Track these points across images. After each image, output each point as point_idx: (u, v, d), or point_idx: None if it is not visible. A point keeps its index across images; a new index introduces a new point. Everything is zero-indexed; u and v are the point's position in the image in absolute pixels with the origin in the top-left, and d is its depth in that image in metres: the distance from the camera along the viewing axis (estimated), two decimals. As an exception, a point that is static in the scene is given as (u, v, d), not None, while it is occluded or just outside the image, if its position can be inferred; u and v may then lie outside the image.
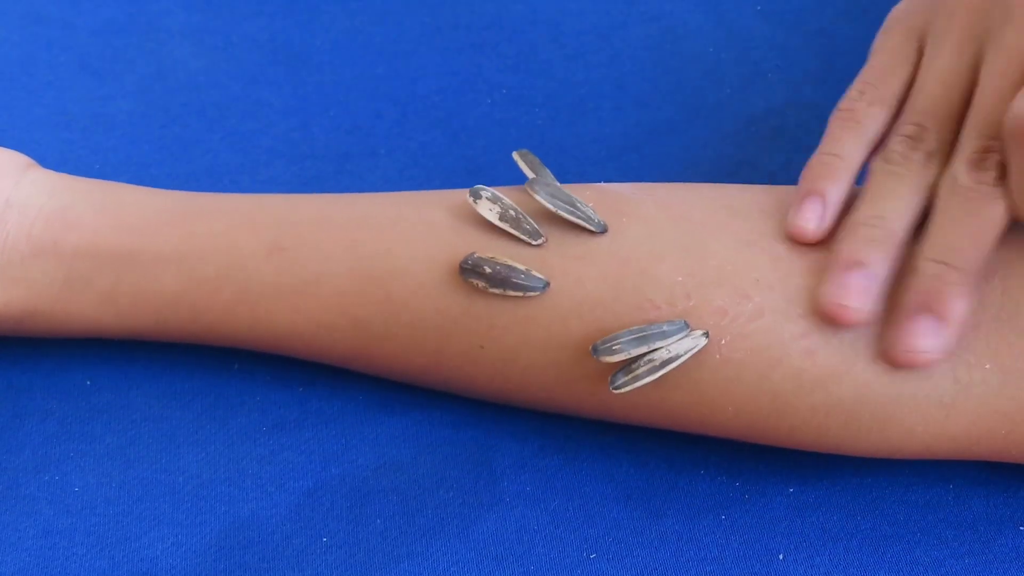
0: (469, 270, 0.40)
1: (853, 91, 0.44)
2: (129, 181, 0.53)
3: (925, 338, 0.37)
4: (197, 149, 0.55)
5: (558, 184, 0.42)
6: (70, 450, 0.44)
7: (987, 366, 0.38)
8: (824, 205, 0.40)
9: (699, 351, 0.38)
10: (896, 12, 0.45)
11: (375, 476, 0.43)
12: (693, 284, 0.39)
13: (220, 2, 0.62)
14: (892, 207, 0.39)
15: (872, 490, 0.43)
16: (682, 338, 0.38)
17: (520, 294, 0.40)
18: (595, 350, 0.39)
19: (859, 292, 0.38)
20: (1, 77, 0.59)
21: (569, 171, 0.52)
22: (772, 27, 0.62)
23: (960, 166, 0.39)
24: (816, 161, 0.42)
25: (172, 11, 0.62)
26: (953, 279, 0.37)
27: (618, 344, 0.39)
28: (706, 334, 0.39)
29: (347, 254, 0.42)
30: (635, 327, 0.39)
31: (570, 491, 0.43)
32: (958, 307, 0.37)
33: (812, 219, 0.40)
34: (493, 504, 0.42)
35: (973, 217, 0.38)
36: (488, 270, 0.40)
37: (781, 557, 0.41)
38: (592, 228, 0.41)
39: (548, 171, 0.43)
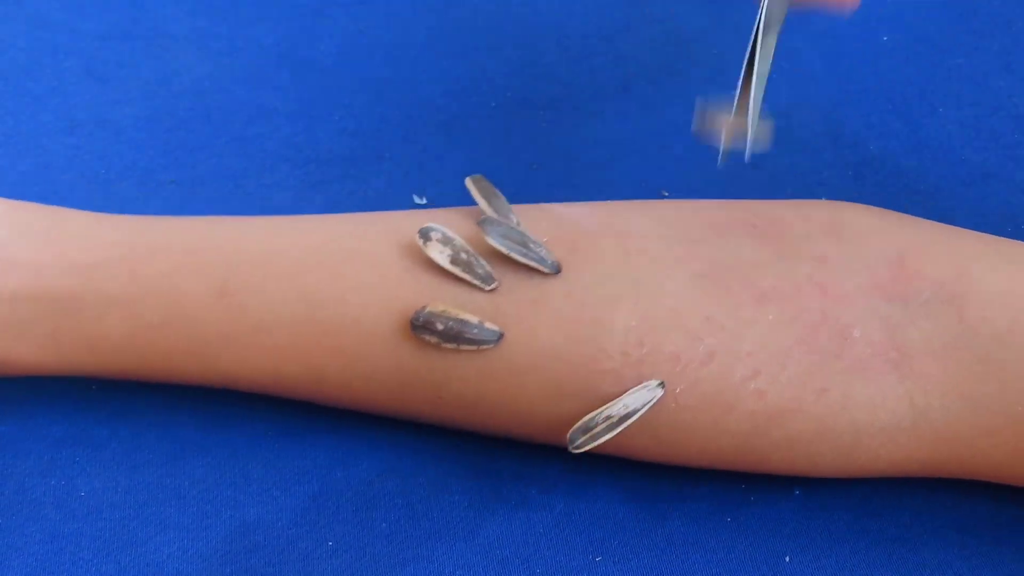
0: (420, 327, 0.39)
1: None
2: (135, 186, 0.53)
3: None
4: (202, 154, 0.55)
5: (511, 217, 0.41)
6: (76, 455, 0.44)
7: (945, 392, 0.38)
8: None
9: (655, 402, 0.38)
10: None
11: (380, 480, 0.43)
12: (646, 329, 0.39)
13: (225, 7, 0.62)
14: None
15: (878, 492, 0.42)
16: (638, 390, 0.38)
17: (474, 348, 0.39)
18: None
19: None
20: (7, 83, 0.59)
21: (573, 174, 0.52)
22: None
23: None
24: None
25: (177, 16, 0.62)
26: None
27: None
28: (661, 384, 0.38)
29: (297, 300, 0.40)
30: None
31: (576, 494, 0.43)
32: None
33: None
34: (498, 507, 0.42)
35: None
36: (440, 326, 0.39)
37: (787, 559, 0.41)
38: (545, 269, 0.40)
39: (502, 197, 0.42)
